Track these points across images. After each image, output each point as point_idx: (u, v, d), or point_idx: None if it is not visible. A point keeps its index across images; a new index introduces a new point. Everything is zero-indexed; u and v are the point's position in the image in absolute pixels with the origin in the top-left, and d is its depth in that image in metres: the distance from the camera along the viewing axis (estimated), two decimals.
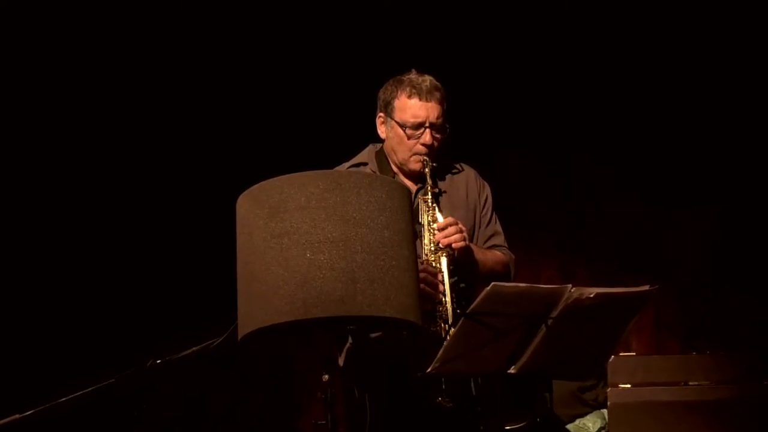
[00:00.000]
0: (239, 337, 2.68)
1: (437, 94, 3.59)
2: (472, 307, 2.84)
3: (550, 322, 2.90)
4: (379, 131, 3.71)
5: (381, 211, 2.65)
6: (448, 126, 3.64)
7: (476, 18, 5.55)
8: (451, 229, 3.44)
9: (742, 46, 5.32)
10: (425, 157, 3.57)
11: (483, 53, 5.55)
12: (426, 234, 3.49)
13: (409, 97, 3.58)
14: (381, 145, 3.75)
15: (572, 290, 2.86)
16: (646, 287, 2.99)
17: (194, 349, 3.08)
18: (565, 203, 5.67)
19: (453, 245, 3.43)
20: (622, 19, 5.42)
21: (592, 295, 2.85)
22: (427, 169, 3.56)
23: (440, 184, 3.70)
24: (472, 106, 3.71)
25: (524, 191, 5.46)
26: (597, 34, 5.48)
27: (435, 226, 3.48)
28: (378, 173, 3.61)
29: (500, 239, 3.78)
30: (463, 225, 3.50)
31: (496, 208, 3.82)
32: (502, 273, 3.66)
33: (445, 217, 3.50)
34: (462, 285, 3.52)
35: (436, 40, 5.35)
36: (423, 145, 3.58)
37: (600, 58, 5.50)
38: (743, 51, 5.33)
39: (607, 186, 5.61)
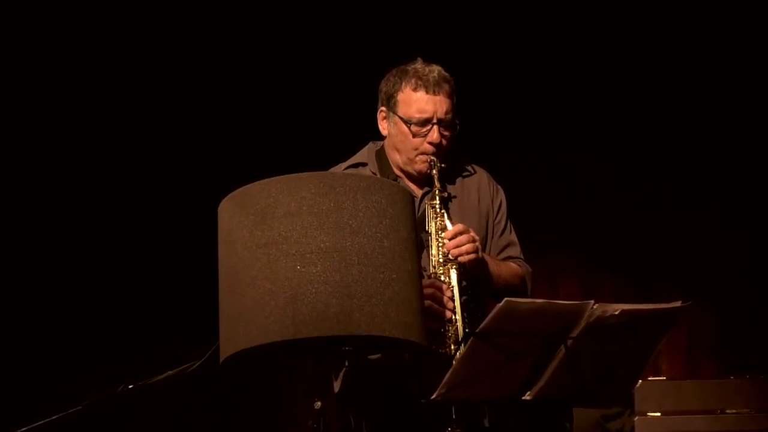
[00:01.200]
0: (221, 360, 2.66)
1: (446, 87, 3.56)
2: (482, 325, 2.82)
3: (570, 342, 2.88)
4: (380, 128, 3.68)
5: (381, 218, 2.63)
6: (458, 122, 3.61)
7: (476, 16, 5.70)
8: (462, 238, 3.41)
9: (742, 46, 5.62)
10: (432, 158, 3.54)
11: (483, 52, 5.73)
12: (433, 244, 3.46)
13: (415, 89, 3.55)
14: (382, 143, 3.73)
15: (595, 307, 2.84)
16: (679, 303, 2.96)
17: (170, 372, 3.06)
18: (565, 203, 5.97)
19: (464, 257, 3.40)
20: (622, 19, 5.70)
21: (616, 312, 2.83)
22: (434, 171, 3.53)
23: (449, 188, 3.68)
24: (472, 105, 3.73)
25: (524, 191, 5.62)
26: (597, 34, 5.76)
27: (444, 234, 3.44)
28: (378, 175, 3.60)
29: (516, 250, 3.76)
30: (475, 233, 3.47)
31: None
32: (517, 287, 3.64)
33: (454, 225, 3.47)
34: (473, 304, 3.49)
35: (435, 38, 5.43)
36: (430, 143, 3.55)
37: (600, 57, 5.79)
38: (744, 51, 5.63)
39: (607, 186, 5.95)
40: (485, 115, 5.49)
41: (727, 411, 3.46)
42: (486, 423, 3.27)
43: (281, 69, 5.68)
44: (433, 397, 2.90)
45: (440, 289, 3.36)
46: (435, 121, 3.54)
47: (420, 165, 3.59)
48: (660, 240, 5.85)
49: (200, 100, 5.66)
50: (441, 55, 3.70)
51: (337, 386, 3.40)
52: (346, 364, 3.31)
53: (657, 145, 5.85)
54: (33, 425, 3.12)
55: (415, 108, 3.55)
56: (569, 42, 5.78)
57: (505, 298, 2.79)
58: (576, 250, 5.93)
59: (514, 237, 3.78)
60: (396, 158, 3.65)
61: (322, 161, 3.55)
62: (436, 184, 3.52)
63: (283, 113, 5.64)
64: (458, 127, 3.61)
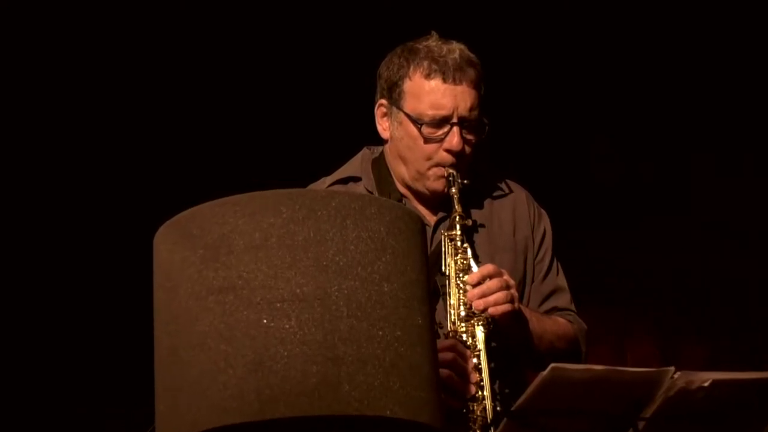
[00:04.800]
0: None
1: (471, 73, 3.57)
2: (520, 401, 2.83)
3: (641, 424, 2.89)
4: (378, 129, 3.70)
5: (379, 254, 2.64)
6: (486, 122, 3.62)
7: (475, 15, 6.06)
8: (491, 284, 3.41)
9: (743, 46, 6.32)
10: (451, 171, 3.56)
11: (482, 51, 5.96)
12: (453, 291, 3.48)
13: (428, 76, 3.56)
14: (381, 149, 3.75)
15: (676, 376, 2.85)
16: None
17: None
18: None
19: (494, 308, 3.41)
20: (623, 19, 6.39)
21: (706, 384, 2.84)
22: (453, 190, 3.55)
23: (475, 213, 3.70)
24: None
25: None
26: (598, 35, 6.45)
27: (467, 278, 3.46)
28: (376, 194, 3.62)
29: (565, 299, 3.77)
30: (510, 276, 3.49)
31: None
32: (567, 351, 3.65)
33: (482, 265, 3.49)
34: (507, 373, 3.51)
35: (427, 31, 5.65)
36: (448, 151, 3.57)
37: (600, 57, 6.48)
38: (745, 50, 6.33)
39: None
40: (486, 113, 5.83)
41: None
42: None
43: (246, 57, 5.74)
44: None
45: (462, 355, 3.37)
46: (455, 120, 3.55)
47: (434, 181, 3.61)
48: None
49: (144, 100, 5.76)
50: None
51: None
52: None
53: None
54: None
55: (427, 102, 3.56)
56: (569, 42, 6.43)
57: (552, 365, 2.79)
58: (650, 297, 6.02)
59: (562, 281, 3.79)
60: (401, 171, 3.67)
61: (299, 175, 3.57)
62: (457, 207, 3.53)
63: (246, 109, 5.68)
64: (487, 129, 3.62)
